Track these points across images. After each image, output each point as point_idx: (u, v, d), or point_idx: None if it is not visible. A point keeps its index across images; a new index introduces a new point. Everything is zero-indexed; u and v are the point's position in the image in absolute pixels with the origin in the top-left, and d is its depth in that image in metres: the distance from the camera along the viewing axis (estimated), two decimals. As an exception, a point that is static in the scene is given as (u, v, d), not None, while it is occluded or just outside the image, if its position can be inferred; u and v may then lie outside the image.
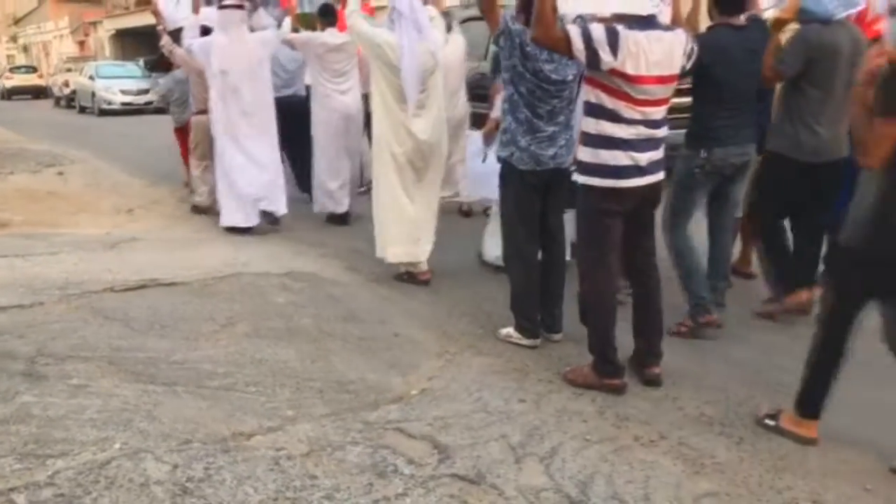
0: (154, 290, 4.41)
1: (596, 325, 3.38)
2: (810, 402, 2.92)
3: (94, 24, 39.09)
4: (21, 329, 3.68)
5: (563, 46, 3.07)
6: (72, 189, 8.25)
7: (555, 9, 3.04)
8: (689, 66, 3.30)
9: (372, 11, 5.24)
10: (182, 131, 7.35)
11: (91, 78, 21.26)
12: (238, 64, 5.76)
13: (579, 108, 3.49)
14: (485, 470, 2.64)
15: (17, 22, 48.31)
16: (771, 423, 3.03)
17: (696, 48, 3.29)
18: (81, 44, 40.53)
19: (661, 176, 3.33)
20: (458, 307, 4.36)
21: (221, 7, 5.79)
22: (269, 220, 6.16)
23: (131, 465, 2.49)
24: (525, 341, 3.81)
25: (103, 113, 19.89)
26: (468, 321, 4.15)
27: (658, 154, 3.27)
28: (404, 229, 4.66)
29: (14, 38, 48.70)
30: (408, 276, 4.80)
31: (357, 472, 2.58)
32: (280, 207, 6.10)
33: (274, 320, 4.00)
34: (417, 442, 2.82)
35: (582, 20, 3.22)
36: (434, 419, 3.00)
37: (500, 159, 3.81)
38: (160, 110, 7.53)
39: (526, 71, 3.60)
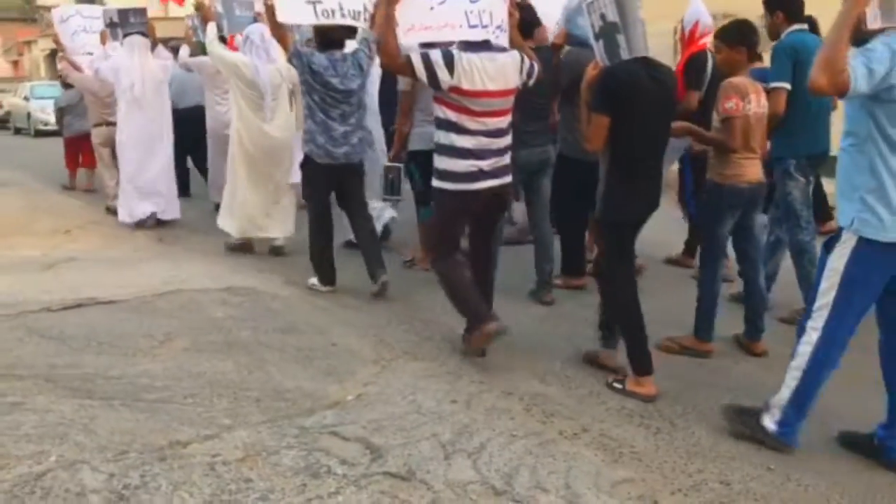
0: (92, 309, 4.42)
1: (455, 297, 3.88)
2: (637, 361, 3.46)
3: (28, 43, 38.21)
4: (-45, 350, 3.67)
5: (407, 70, 3.65)
6: (7, 211, 8.08)
7: (395, 39, 3.64)
8: (530, 83, 3.86)
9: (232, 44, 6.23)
10: (74, 140, 9.23)
11: (26, 98, 20.78)
12: (143, 80, 6.78)
13: None
14: (415, 467, 2.76)
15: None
16: (618, 386, 3.51)
17: (535, 67, 3.84)
18: (15, 63, 39.57)
19: (506, 180, 3.84)
20: (395, 316, 4.48)
21: (126, 35, 6.89)
22: (158, 223, 7.05)
23: (67, 476, 2.54)
24: (322, 287, 4.89)
25: (39, 134, 19.41)
26: (405, 329, 4.27)
27: (503, 160, 3.79)
28: (245, 212, 5.76)
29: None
30: (238, 247, 5.94)
31: (291, 475, 2.68)
32: (173, 213, 7.14)
33: (212, 334, 4.06)
34: (351, 444, 2.93)
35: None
36: (368, 422, 3.11)
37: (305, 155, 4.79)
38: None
39: (315, 83, 4.59)
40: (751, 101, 3.79)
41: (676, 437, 3.08)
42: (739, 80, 3.78)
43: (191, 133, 7.55)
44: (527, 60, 3.79)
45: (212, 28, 5.76)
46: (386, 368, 3.71)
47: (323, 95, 4.61)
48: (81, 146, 9.24)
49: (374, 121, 5.72)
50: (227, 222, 5.92)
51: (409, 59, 3.59)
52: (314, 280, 4.97)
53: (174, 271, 5.37)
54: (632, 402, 3.37)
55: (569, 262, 5.18)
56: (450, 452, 2.88)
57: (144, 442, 2.83)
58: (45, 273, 5.34)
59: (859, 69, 2.51)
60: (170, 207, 7.12)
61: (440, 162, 3.75)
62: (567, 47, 4.75)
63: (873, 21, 2.60)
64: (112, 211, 7.46)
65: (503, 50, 3.74)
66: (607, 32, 3.40)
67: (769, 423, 2.97)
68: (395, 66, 3.72)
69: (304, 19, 4.67)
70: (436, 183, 3.80)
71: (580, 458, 2.87)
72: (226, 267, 5.57)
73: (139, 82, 6.74)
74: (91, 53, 7.50)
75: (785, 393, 2.93)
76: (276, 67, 5.64)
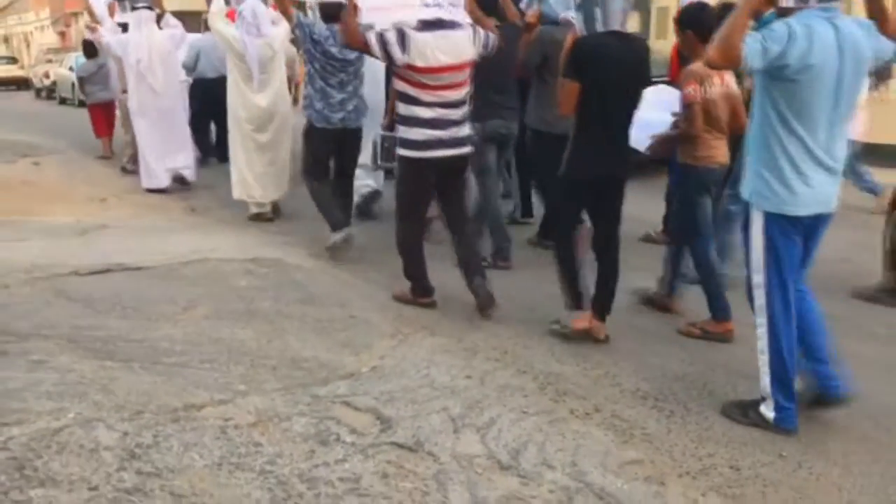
0: (119, 275, 4.52)
1: (409, 258, 4.21)
2: (574, 300, 3.83)
3: (75, 14, 38.78)
4: (-15, 309, 3.79)
5: (365, 49, 3.97)
6: (46, 179, 8.30)
7: (356, 18, 3.94)
8: (487, 54, 4.09)
9: (233, 16, 6.28)
10: (97, 108, 9.80)
11: (71, 69, 21.14)
12: (150, 54, 7.11)
13: None
14: (423, 439, 2.78)
15: (-3, 13, 47.90)
16: (555, 326, 3.82)
17: (491, 38, 4.07)
18: (62, 35, 40.24)
19: (464, 150, 4.11)
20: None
21: (134, 8, 7.21)
22: (181, 182, 7.50)
23: (83, 433, 2.62)
24: (337, 235, 5.09)
25: (83, 104, 19.79)
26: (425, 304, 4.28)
27: (461, 131, 4.06)
28: (242, 176, 6.15)
29: (-6, 30, 48.29)
30: (256, 217, 6.20)
31: (300, 441, 2.72)
32: (189, 174, 7.55)
33: (234, 303, 4.12)
34: (362, 414, 2.96)
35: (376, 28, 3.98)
36: (381, 393, 3.13)
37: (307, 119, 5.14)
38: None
39: (316, 52, 4.92)
40: (713, 83, 3.78)
41: (689, 420, 3.04)
42: (698, 65, 3.65)
43: (214, 102, 7.64)
44: (481, 33, 4.02)
45: (216, 2, 6.03)
46: (403, 342, 3.72)
47: (323, 64, 4.96)
48: (106, 113, 9.79)
49: (376, 90, 5.82)
50: (237, 190, 6.26)
51: (366, 40, 3.88)
52: (331, 233, 5.15)
53: (203, 241, 5.45)
54: (647, 385, 3.34)
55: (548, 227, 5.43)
56: (459, 426, 2.89)
57: (160, 403, 2.89)
58: (78, 239, 5.47)
59: (754, 46, 2.61)
60: (188, 171, 7.56)
61: (402, 132, 4.05)
62: (541, 26, 4.88)
63: (786, 0, 2.75)
64: (127, 171, 8.14)
65: (457, 25, 3.95)
66: (586, 4, 3.58)
67: (767, 411, 2.95)
68: (356, 44, 4.01)
69: None
70: (398, 151, 4.12)
71: (589, 438, 2.86)
72: (254, 239, 5.64)
73: (146, 56, 7.08)
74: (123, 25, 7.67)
75: (765, 380, 2.95)
76: (266, 42, 5.92)
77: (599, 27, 3.54)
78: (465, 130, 4.10)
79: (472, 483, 2.52)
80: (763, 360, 2.95)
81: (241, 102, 6.07)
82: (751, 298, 3.01)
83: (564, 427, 2.94)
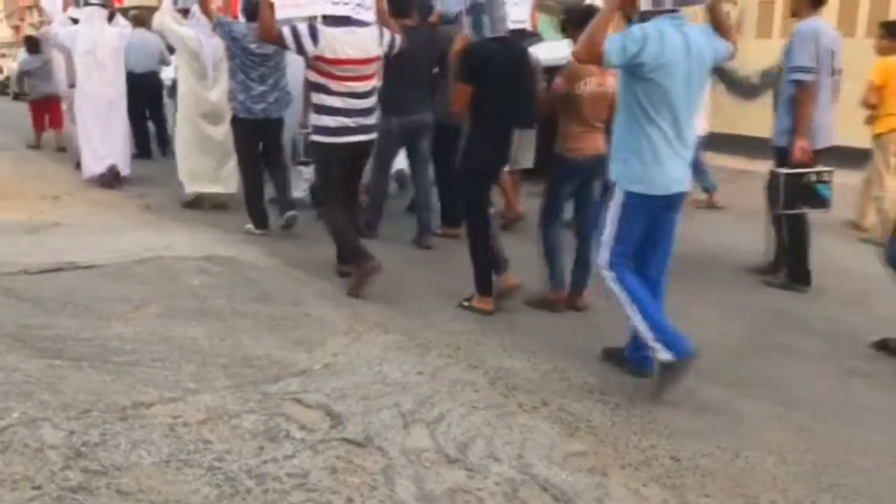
0: (70, 273, 4.46)
1: (337, 232, 4.62)
2: (482, 284, 4.20)
3: (30, 8, 37.92)
4: (-71, 309, 3.72)
5: (279, 41, 4.30)
6: (-3, 176, 8.13)
7: (272, 14, 4.28)
8: (391, 53, 4.56)
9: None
10: (37, 102, 10.14)
11: (24, 64, 20.69)
12: (99, 48, 7.31)
13: None
14: (373, 434, 2.81)
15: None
16: (466, 304, 4.21)
17: (396, 39, 4.54)
18: (17, 29, 39.28)
19: (370, 136, 4.56)
20: (371, 290, 4.52)
21: (87, 4, 7.39)
22: (115, 177, 7.47)
23: (28, 432, 2.60)
24: (256, 231, 5.65)
25: (37, 100, 19.36)
26: (379, 303, 4.31)
27: (367, 120, 4.49)
28: (189, 167, 6.43)
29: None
30: (190, 204, 6.51)
31: (250, 437, 2.73)
32: (124, 168, 7.61)
33: (187, 301, 4.10)
34: (312, 410, 2.98)
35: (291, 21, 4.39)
36: (332, 390, 3.16)
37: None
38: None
39: (236, 49, 5.29)
40: (588, 82, 4.00)
41: (633, 413, 3.12)
42: (578, 65, 3.86)
43: (146, 96, 8.43)
44: (387, 34, 4.48)
45: (167, 1, 6.28)
46: (356, 340, 3.75)
47: (243, 59, 5.33)
48: (47, 108, 10.09)
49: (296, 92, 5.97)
50: (184, 180, 6.58)
51: (280, 33, 4.24)
52: (249, 225, 5.73)
53: (157, 239, 5.40)
54: (594, 379, 3.42)
55: (446, 213, 5.92)
56: (409, 421, 2.93)
57: (108, 402, 2.88)
58: (29, 237, 5.38)
59: (614, 45, 2.99)
60: (124, 164, 7.65)
61: (314, 119, 4.46)
62: (442, 26, 5.39)
63: (645, 4, 3.11)
64: (79, 166, 8.00)
65: (364, 24, 4.37)
66: (476, 10, 3.95)
67: (665, 355, 3.16)
68: (271, 37, 4.34)
69: None
70: (311, 137, 4.55)
71: (536, 431, 2.93)
72: (208, 237, 5.60)
73: (95, 50, 7.31)
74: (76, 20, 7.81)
75: (645, 333, 3.21)
76: (219, 42, 5.96)
77: (487, 32, 3.93)
78: (372, 119, 4.55)
79: (419, 477, 2.56)
80: (636, 319, 3.23)
81: (194, 98, 6.28)
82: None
83: (512, 421, 2.99)
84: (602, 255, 3.35)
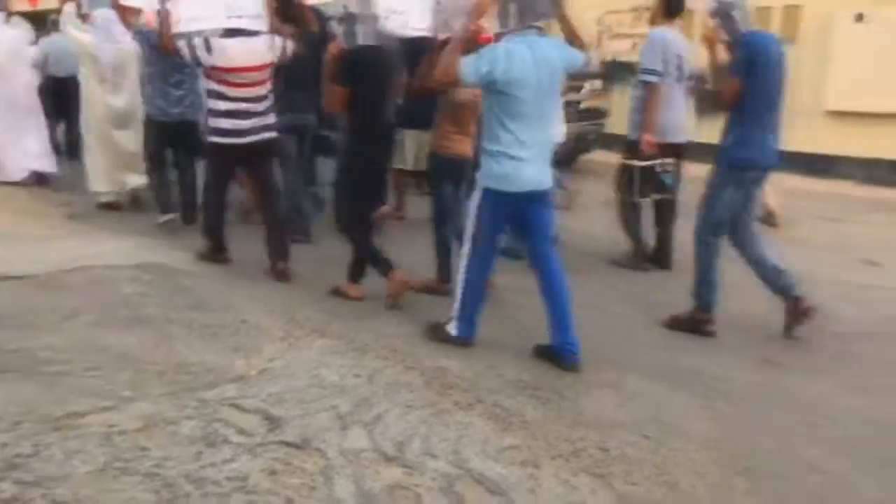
0: (-4, 284, 4.36)
1: (209, 224, 5.12)
2: (355, 273, 4.55)
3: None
4: None
5: (177, 53, 4.74)
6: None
7: (172, 32, 4.75)
8: (284, 60, 4.85)
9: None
10: None
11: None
12: (1, 52, 7.40)
13: None
14: (311, 436, 2.86)
15: None
16: (336, 290, 4.56)
17: (288, 45, 4.83)
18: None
19: (263, 137, 4.87)
20: (308, 295, 4.55)
21: None
22: (39, 180, 7.62)
23: (-43, 446, 2.56)
24: (162, 217, 6.05)
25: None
26: (316, 308, 4.34)
27: (262, 121, 4.83)
28: (96, 168, 6.57)
29: None
30: (107, 206, 6.66)
31: (188, 443, 2.75)
32: (51, 168, 7.74)
33: (120, 310, 4.06)
34: (250, 415, 3.01)
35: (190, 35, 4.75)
36: (269, 395, 3.19)
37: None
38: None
39: (153, 57, 5.60)
40: (464, 91, 4.30)
41: (564, 407, 3.25)
42: None
43: (65, 100, 8.31)
44: (278, 41, 4.78)
45: (69, 7, 6.50)
46: (293, 345, 3.78)
47: (161, 66, 5.69)
48: None
49: None
50: (94, 182, 6.67)
51: (178, 46, 4.67)
52: (163, 216, 6.05)
53: (85, 248, 5.30)
54: (527, 375, 3.54)
55: None
56: (347, 423, 2.99)
57: (40, 413, 2.85)
58: (-52, 248, 5.21)
59: (469, 67, 3.46)
60: (47, 163, 7.73)
61: (211, 122, 4.81)
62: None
63: (499, 27, 3.65)
64: None
65: (255, 34, 4.71)
66: (348, 23, 4.32)
67: (451, 329, 3.83)
68: (170, 49, 4.79)
69: (147, 5, 5.83)
70: (208, 138, 4.90)
71: (471, 427, 3.02)
72: (137, 244, 5.51)
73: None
74: None
75: (455, 306, 3.81)
76: (119, 48, 6.32)
77: (360, 40, 4.30)
78: (268, 120, 4.88)
79: (358, 476, 2.62)
80: (458, 292, 3.80)
81: (96, 102, 6.48)
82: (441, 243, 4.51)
83: (448, 418, 3.08)
84: (464, 246, 3.80)
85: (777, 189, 6.51)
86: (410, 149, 5.71)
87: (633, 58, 9.80)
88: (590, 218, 6.75)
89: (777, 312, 4.18)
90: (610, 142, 9.02)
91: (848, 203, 7.97)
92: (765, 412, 3.29)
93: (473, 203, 3.74)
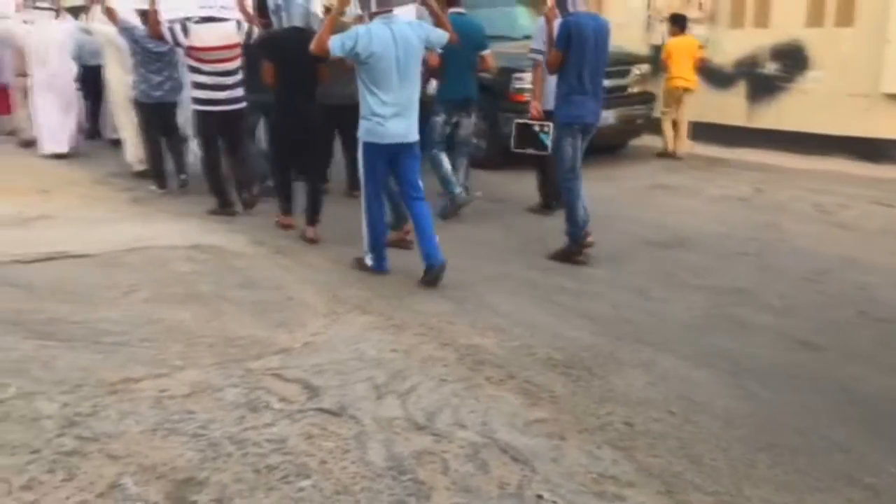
0: (62, 262, 4.65)
1: (213, 178, 6.27)
2: (283, 209, 5.70)
3: None
4: (-73, 296, 3.91)
5: (162, 37, 5.83)
6: (-13, 171, 8.27)
7: (158, 18, 5.73)
8: (249, 41, 5.96)
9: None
10: None
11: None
12: (47, 44, 8.73)
13: None
14: (347, 404, 3.02)
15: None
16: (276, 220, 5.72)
17: (254, 29, 6.01)
18: None
19: (235, 106, 6.03)
20: (352, 274, 4.72)
21: (36, 7, 9.07)
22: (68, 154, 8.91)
23: (24, 404, 2.80)
24: (158, 190, 7.05)
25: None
26: (360, 286, 4.51)
27: (233, 93, 5.99)
28: (134, 140, 7.72)
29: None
30: (140, 174, 7.64)
31: (232, 408, 2.94)
32: (63, 146, 8.93)
33: (175, 287, 4.30)
34: (291, 384, 3.19)
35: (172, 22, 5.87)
36: (310, 366, 3.36)
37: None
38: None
39: (137, 48, 6.62)
40: None
41: (593, 384, 3.33)
42: None
43: (95, 86, 9.38)
44: (245, 25, 5.98)
45: (95, 10, 7.77)
46: (336, 321, 3.95)
47: (143, 56, 6.64)
48: None
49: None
50: (128, 153, 7.93)
51: (162, 31, 5.73)
52: (153, 186, 7.08)
53: (145, 230, 5.59)
54: (559, 354, 3.62)
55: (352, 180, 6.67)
56: (382, 393, 3.14)
57: (99, 378, 3.08)
58: (20, 229, 5.56)
59: (336, 42, 4.27)
60: (78, 140, 9.24)
61: (193, 93, 5.99)
62: None
63: (359, 8, 4.67)
64: (23, 144, 9.46)
65: (224, 20, 5.91)
66: (277, 9, 5.55)
67: (369, 261, 4.70)
68: (156, 34, 5.81)
69: (125, 6, 6.73)
70: (192, 107, 6.07)
71: (501, 401, 3.13)
72: (196, 227, 5.78)
73: (44, 45, 8.71)
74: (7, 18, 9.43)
75: (365, 243, 4.69)
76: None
77: (285, 23, 5.36)
78: (238, 92, 6.02)
79: (389, 441, 2.77)
80: (364, 232, 4.68)
81: (119, 83, 7.59)
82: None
83: (479, 392, 3.20)
84: (363, 192, 4.64)
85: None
86: None
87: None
88: (634, 204, 6.76)
89: (818, 295, 4.17)
90: (659, 126, 8.95)
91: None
92: (794, 392, 3.30)
93: (360, 158, 4.59)
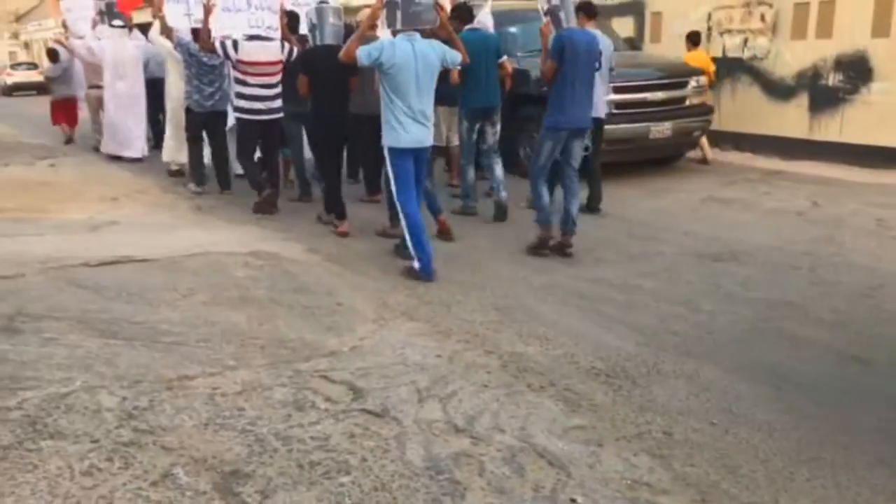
0: (126, 266, 4.89)
1: (251, 182, 7.08)
2: (329, 208, 6.16)
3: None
4: (3, 294, 4.18)
5: (214, 51, 6.66)
6: (62, 179, 8.73)
7: (210, 34, 6.64)
8: (291, 59, 6.67)
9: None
10: (58, 102, 12.56)
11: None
12: (121, 59, 9.83)
13: None
14: (391, 406, 3.11)
15: (18, 19, 48.70)
16: (324, 219, 6.27)
17: (294, 49, 6.71)
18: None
19: (277, 115, 6.82)
20: (401, 282, 4.83)
21: (112, 26, 9.96)
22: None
23: (88, 397, 2.98)
24: (197, 188, 7.85)
25: (100, 109, 20.32)
26: (407, 294, 4.61)
27: (274, 104, 6.76)
28: (176, 144, 8.47)
29: (16, 35, 49.08)
30: (175, 174, 8.73)
31: (280, 407, 3.06)
32: (137, 153, 10.06)
33: (231, 291, 4.48)
34: (337, 385, 3.30)
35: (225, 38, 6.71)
36: (357, 369, 3.47)
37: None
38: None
39: (192, 62, 7.32)
40: None
41: (634, 393, 3.35)
42: None
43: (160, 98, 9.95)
44: (287, 46, 6.73)
45: (156, 24, 8.15)
46: (383, 326, 4.06)
47: (197, 69, 7.34)
48: (65, 106, 12.51)
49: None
50: (165, 154, 8.78)
51: (215, 46, 6.54)
52: (192, 184, 7.86)
53: (206, 237, 5.82)
54: (602, 363, 3.65)
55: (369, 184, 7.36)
56: (424, 397, 3.22)
57: (156, 375, 3.25)
58: (89, 234, 5.85)
59: (363, 52, 4.67)
60: (139, 148, 10.11)
61: (237, 102, 6.78)
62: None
63: (388, 27, 4.98)
64: (97, 149, 10.51)
65: (270, 39, 6.68)
66: (313, 28, 5.98)
67: (416, 265, 4.90)
68: (208, 49, 6.68)
69: (178, 23, 7.63)
70: (236, 115, 6.90)
71: (541, 408, 3.18)
72: (254, 235, 6.00)
73: (121, 60, 9.80)
74: (82, 37, 10.59)
75: (410, 246, 4.90)
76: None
77: (318, 41, 5.92)
78: (277, 103, 6.78)
79: (428, 443, 2.85)
80: (406, 230, 4.94)
81: (178, 92, 8.07)
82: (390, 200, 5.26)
83: (520, 399, 3.25)
84: (394, 194, 5.00)
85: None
86: (441, 127, 6.63)
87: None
88: (688, 216, 6.71)
89: (871, 310, 4.08)
90: (717, 138, 8.85)
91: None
92: (840, 407, 3.26)
93: (388, 164, 4.96)
